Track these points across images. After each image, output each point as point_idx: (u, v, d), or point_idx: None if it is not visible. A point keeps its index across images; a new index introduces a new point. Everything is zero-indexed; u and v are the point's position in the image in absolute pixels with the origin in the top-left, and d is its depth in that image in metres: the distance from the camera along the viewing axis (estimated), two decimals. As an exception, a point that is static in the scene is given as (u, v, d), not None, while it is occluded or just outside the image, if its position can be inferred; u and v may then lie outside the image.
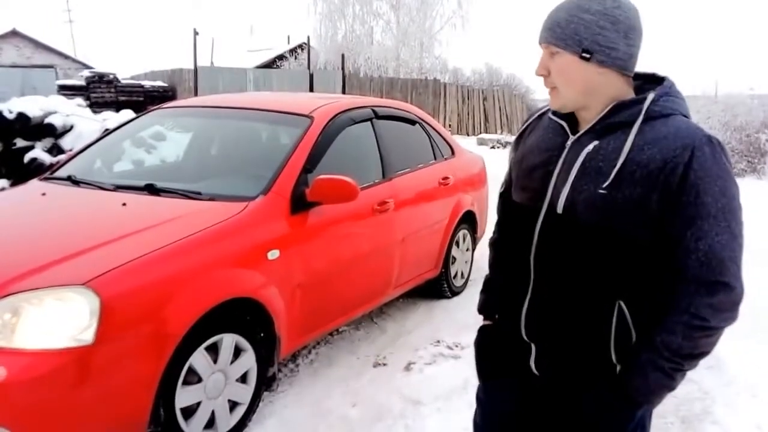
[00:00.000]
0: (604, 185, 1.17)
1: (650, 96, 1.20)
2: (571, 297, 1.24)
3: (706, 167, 1.13)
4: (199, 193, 2.65)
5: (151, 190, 2.70)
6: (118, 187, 2.78)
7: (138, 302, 1.99)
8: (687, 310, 1.14)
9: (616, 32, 1.18)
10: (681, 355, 1.15)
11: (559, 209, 1.22)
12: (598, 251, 1.20)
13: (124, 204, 2.57)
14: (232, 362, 2.32)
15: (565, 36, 1.20)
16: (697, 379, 2.95)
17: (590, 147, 1.22)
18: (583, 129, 1.25)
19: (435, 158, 4.07)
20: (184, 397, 2.13)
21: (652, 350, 1.16)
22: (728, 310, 1.14)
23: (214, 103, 3.66)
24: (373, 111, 3.59)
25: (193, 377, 2.16)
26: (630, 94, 1.23)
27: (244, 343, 2.36)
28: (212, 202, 2.57)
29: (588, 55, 1.19)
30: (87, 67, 21.60)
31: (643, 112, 1.18)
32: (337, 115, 3.21)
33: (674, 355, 1.15)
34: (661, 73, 1.28)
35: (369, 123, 3.52)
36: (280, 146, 3.08)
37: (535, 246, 1.27)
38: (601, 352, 1.23)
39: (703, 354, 1.17)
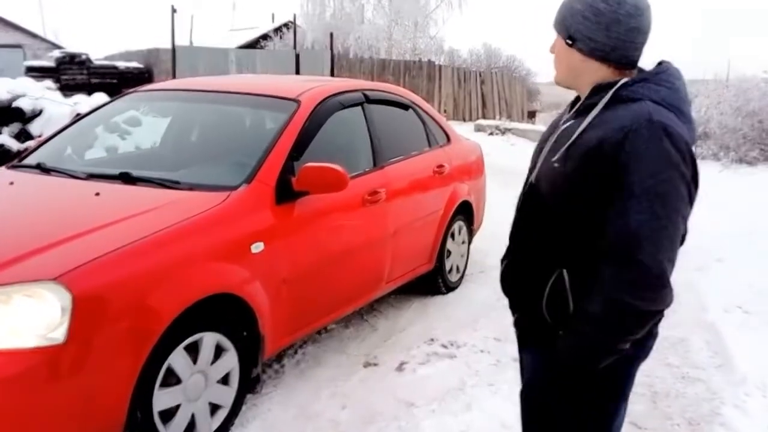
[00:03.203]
0: (555, 159, 1.37)
1: (621, 81, 1.34)
2: (528, 261, 1.45)
3: (637, 148, 1.25)
4: (178, 183, 2.63)
5: (126, 179, 2.68)
6: (91, 176, 2.76)
7: (112, 298, 1.98)
8: (605, 284, 1.26)
9: (598, 24, 1.34)
10: (600, 327, 1.28)
11: (533, 180, 1.47)
12: (549, 221, 1.39)
13: (97, 194, 2.55)
14: (213, 362, 2.31)
15: (559, 21, 1.42)
16: (705, 379, 2.98)
17: (566, 125, 1.41)
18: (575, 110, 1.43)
19: (429, 145, 4.07)
20: (162, 399, 2.12)
21: (578, 317, 1.32)
22: (645, 289, 1.23)
23: (194, 86, 3.63)
24: (364, 95, 3.58)
25: (172, 378, 2.16)
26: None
27: (226, 343, 2.35)
28: (191, 192, 2.56)
29: (571, 42, 1.38)
30: (57, 47, 21.31)
31: (608, 96, 1.34)
32: (325, 99, 3.20)
33: (594, 327, 1.28)
34: (665, 60, 1.41)
35: (359, 108, 3.51)
36: (265, 132, 3.07)
37: (515, 212, 1.51)
38: (541, 313, 1.41)
39: (626, 332, 1.27)
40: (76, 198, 2.59)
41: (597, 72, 1.38)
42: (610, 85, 1.35)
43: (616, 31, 1.33)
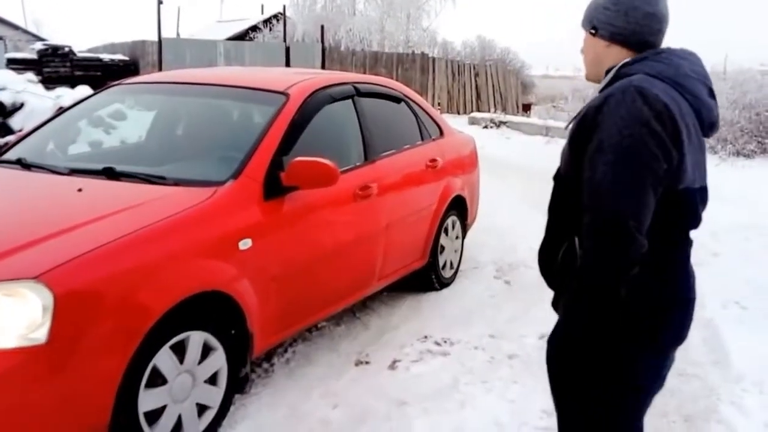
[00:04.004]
0: (567, 138, 1.51)
1: (623, 61, 1.48)
2: (550, 235, 1.56)
3: (610, 111, 1.35)
4: (163, 178, 2.61)
5: (110, 174, 2.66)
6: (74, 171, 2.74)
7: (95, 297, 1.96)
8: (582, 235, 1.37)
9: (617, 11, 1.50)
10: (581, 278, 1.36)
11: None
12: (563, 194, 1.51)
13: (79, 189, 2.53)
14: (200, 362, 2.30)
15: (584, 16, 1.59)
16: (701, 375, 2.99)
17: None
18: None
19: (422, 139, 4.06)
20: (147, 400, 2.10)
21: (571, 275, 1.42)
22: (605, 236, 1.31)
23: (180, 79, 3.60)
24: (355, 88, 3.56)
25: (158, 379, 2.14)
26: None
27: (214, 342, 2.34)
28: (177, 188, 2.54)
29: (594, 31, 1.55)
30: (39, 38, 21.13)
31: (611, 74, 1.48)
32: (315, 92, 3.18)
33: (577, 279, 1.37)
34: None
35: (350, 101, 3.49)
36: (253, 126, 3.05)
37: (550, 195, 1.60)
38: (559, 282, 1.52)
39: (600, 279, 1.33)
40: (58, 194, 2.56)
41: (617, 57, 1.51)
42: (614, 66, 1.49)
43: (633, 16, 1.48)
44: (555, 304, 1.58)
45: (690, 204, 1.43)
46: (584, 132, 1.40)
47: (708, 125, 1.47)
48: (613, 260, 1.31)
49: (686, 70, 1.44)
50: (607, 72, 1.51)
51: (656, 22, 1.49)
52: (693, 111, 1.42)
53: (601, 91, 1.47)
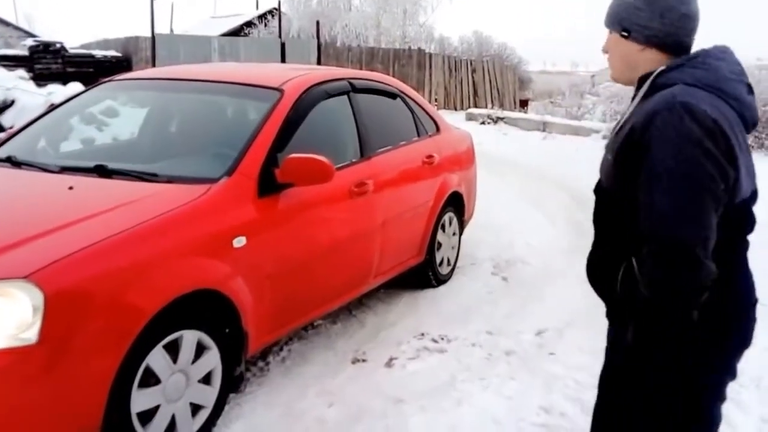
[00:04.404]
0: (606, 151, 1.49)
1: (659, 69, 1.42)
2: (602, 250, 1.55)
3: (658, 129, 1.31)
4: (156, 175, 2.60)
5: (102, 171, 2.64)
6: (65, 169, 2.72)
7: (86, 297, 1.95)
8: (644, 264, 1.35)
9: (651, 12, 1.43)
10: (649, 308, 1.34)
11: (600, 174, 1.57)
12: (613, 210, 1.49)
13: (70, 188, 2.51)
14: (193, 361, 2.28)
15: (611, 18, 1.51)
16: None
17: (618, 119, 1.51)
18: None
19: (418, 135, 4.05)
20: (140, 400, 2.09)
21: (636, 303, 1.38)
22: (673, 266, 1.29)
23: (173, 75, 3.58)
24: (350, 84, 3.55)
25: (151, 378, 2.13)
26: None
27: (208, 341, 2.33)
28: (170, 185, 2.52)
29: (626, 34, 1.47)
30: (30, 34, 21.02)
31: (646, 85, 1.43)
32: (310, 88, 3.17)
33: (645, 308, 1.35)
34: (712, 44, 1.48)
35: (346, 97, 3.48)
36: (247, 122, 3.03)
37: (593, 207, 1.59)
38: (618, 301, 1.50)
39: (671, 310, 1.32)
40: (49, 192, 2.55)
41: (654, 61, 1.45)
42: (650, 75, 1.44)
43: (669, 17, 1.43)
44: (610, 317, 1.60)
45: (747, 213, 1.41)
46: (632, 151, 1.37)
47: (751, 125, 1.44)
48: (685, 289, 1.29)
49: (725, 73, 1.40)
50: (641, 78, 1.46)
51: (690, 22, 1.45)
52: (737, 115, 1.38)
53: (639, 99, 1.44)
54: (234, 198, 2.53)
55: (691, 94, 1.33)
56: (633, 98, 1.49)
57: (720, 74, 1.39)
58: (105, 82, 3.62)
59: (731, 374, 1.51)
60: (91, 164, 2.70)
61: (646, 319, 1.36)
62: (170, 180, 2.56)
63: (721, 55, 1.43)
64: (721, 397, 1.53)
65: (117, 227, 2.14)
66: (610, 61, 1.55)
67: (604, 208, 1.53)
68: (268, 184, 2.64)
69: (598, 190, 1.55)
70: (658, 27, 1.43)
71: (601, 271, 1.55)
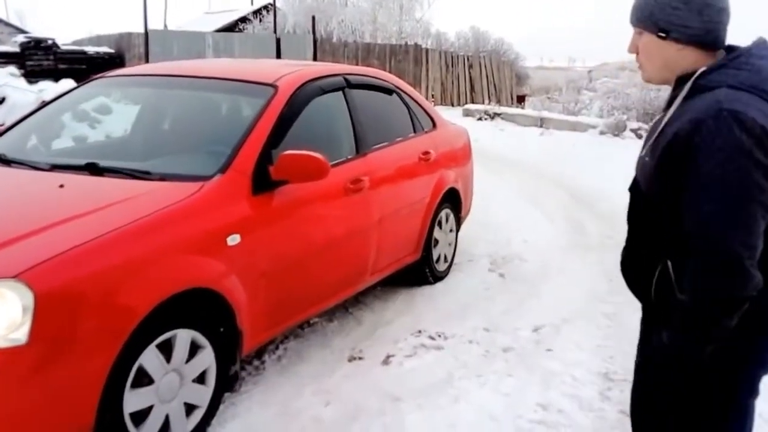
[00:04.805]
0: (644, 153, 1.48)
1: (700, 70, 1.39)
2: (637, 250, 1.56)
3: (705, 139, 1.29)
4: (148, 173, 2.58)
5: (93, 169, 2.62)
6: (55, 167, 2.70)
7: (77, 296, 1.93)
8: (687, 274, 1.34)
9: (689, 11, 1.40)
10: (689, 316, 1.35)
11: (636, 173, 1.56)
12: (649, 212, 1.48)
13: (61, 186, 2.48)
14: (187, 361, 2.27)
15: (644, 18, 1.46)
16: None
17: (657, 120, 1.49)
18: None
19: (414, 131, 4.04)
20: (133, 400, 2.07)
21: (673, 309, 1.39)
22: (719, 276, 1.29)
23: (166, 71, 3.56)
24: (346, 79, 3.53)
25: (144, 378, 2.11)
26: None
27: (202, 339, 2.31)
28: (163, 183, 2.50)
29: (664, 34, 1.43)
30: (22, 31, 20.89)
31: (687, 87, 1.40)
32: (304, 84, 3.15)
33: (684, 316, 1.35)
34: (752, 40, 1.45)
35: (341, 93, 3.46)
36: (241, 119, 3.02)
37: (627, 206, 1.58)
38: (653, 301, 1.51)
39: (713, 320, 1.32)
40: (39, 191, 2.52)
41: (692, 60, 1.42)
42: (690, 75, 1.41)
43: (707, 14, 1.40)
44: (644, 315, 1.62)
45: None
46: (676, 158, 1.35)
47: None
48: (731, 298, 1.30)
49: None
50: (680, 78, 1.43)
51: (727, 17, 1.42)
52: None
53: (680, 101, 1.41)
54: (228, 195, 2.52)
55: (737, 99, 1.31)
56: (670, 99, 1.46)
57: (764, 75, 1.36)
58: (96, 78, 3.59)
59: (765, 368, 1.51)
60: (82, 162, 2.68)
61: (684, 325, 1.36)
62: (163, 178, 2.54)
63: (764, 53, 1.40)
64: (754, 392, 1.52)
65: (108, 226, 2.12)
66: (642, 61, 1.50)
67: (641, 208, 1.52)
68: (263, 181, 2.62)
69: (635, 190, 1.53)
70: (699, 25, 1.40)
71: (636, 272, 1.56)
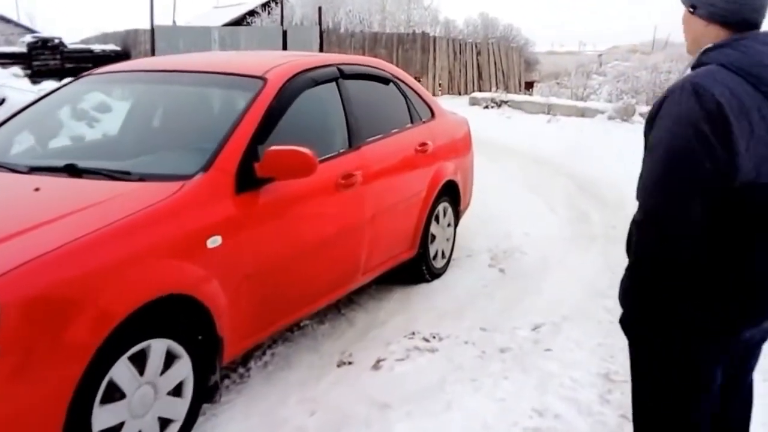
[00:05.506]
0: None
1: (704, 48, 1.45)
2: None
3: (665, 107, 1.39)
4: (128, 173, 2.46)
5: (72, 171, 2.50)
6: (33, 169, 2.59)
7: (45, 306, 1.82)
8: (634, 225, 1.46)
9: None
10: (630, 271, 1.48)
11: None
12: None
13: (36, 189, 2.38)
14: (162, 372, 2.14)
15: None
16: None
17: None
18: None
19: (412, 122, 3.89)
20: (102, 417, 1.95)
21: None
22: (647, 233, 1.39)
23: (155, 67, 3.44)
24: (339, 70, 3.38)
25: (115, 393, 1.99)
26: None
27: (178, 349, 2.18)
28: (142, 183, 2.38)
29: (692, 9, 1.50)
30: (32, 31, 20.91)
31: (691, 62, 1.49)
32: (295, 75, 3.01)
33: (627, 271, 1.49)
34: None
35: (334, 84, 3.32)
36: (227, 114, 2.90)
37: None
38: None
39: (646, 274, 1.42)
40: (12, 195, 2.41)
41: (713, 36, 1.46)
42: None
43: None
44: None
45: (756, 198, 1.38)
46: (648, 123, 1.45)
47: None
48: (656, 253, 1.38)
49: (765, 60, 1.39)
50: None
51: (758, 1, 1.44)
52: None
53: (683, 76, 1.46)
54: (208, 195, 2.39)
55: (710, 75, 1.35)
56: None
57: (756, 59, 1.38)
58: (82, 76, 3.47)
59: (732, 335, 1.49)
60: (60, 164, 2.56)
61: (624, 281, 1.49)
62: (143, 178, 2.42)
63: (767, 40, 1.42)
64: (718, 362, 1.54)
65: (80, 231, 2.00)
66: (684, 35, 1.58)
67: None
68: (248, 180, 2.49)
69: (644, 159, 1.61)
70: (722, 5, 1.44)
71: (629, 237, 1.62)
